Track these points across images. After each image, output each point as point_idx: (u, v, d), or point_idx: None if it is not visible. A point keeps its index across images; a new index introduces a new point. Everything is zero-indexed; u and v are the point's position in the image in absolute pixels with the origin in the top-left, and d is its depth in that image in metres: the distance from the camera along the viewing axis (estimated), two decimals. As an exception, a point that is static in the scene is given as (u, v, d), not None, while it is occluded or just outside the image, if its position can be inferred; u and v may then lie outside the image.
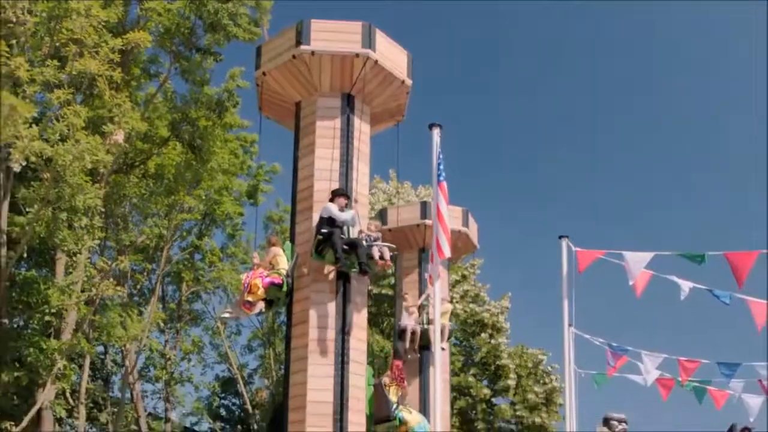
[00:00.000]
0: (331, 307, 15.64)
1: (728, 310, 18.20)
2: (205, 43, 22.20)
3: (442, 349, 20.41)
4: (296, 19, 16.06)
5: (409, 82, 17.00)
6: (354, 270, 15.52)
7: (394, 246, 17.00)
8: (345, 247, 14.96)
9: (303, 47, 15.56)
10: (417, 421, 17.95)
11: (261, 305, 15.52)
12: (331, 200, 15.35)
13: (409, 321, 20.55)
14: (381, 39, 16.22)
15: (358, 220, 15.73)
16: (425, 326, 18.00)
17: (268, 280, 15.08)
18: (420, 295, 20.70)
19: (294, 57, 15.77)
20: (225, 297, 38.08)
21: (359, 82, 16.26)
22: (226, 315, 16.80)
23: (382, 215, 21.16)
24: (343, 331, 15.54)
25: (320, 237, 14.99)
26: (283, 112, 17.71)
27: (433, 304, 14.58)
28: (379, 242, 15.97)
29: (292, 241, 16.17)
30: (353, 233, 15.58)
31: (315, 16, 15.79)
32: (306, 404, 15.00)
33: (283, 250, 15.86)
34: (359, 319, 16.14)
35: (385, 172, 38.02)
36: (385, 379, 17.52)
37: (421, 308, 20.93)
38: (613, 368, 21.59)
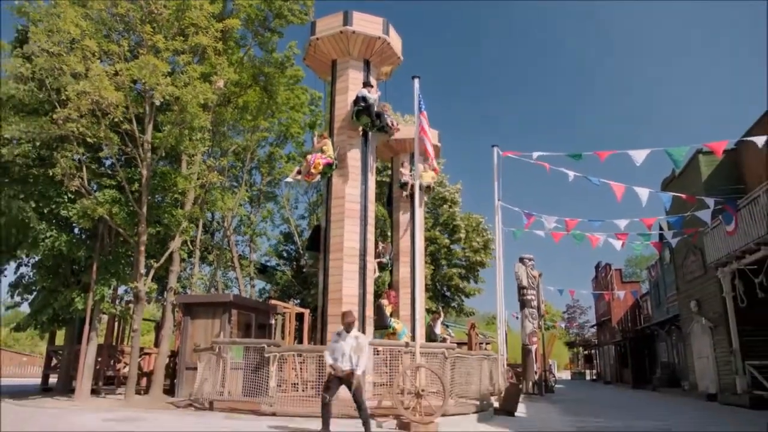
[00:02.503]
0: (357, 186, 16.88)
1: (598, 189, 18.87)
2: (273, 26, 22.20)
3: (432, 188, 22.12)
4: (328, 11, 17.68)
5: (402, 59, 18.47)
6: (373, 130, 17.27)
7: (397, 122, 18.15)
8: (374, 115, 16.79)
9: (348, 27, 17.03)
10: (401, 327, 18.91)
11: (318, 177, 16.63)
12: (362, 87, 17.01)
13: (406, 177, 22.17)
14: (392, 30, 17.76)
15: (378, 102, 17.13)
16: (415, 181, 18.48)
17: (325, 160, 16.38)
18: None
19: (341, 32, 17.11)
20: (291, 184, 39.22)
21: (376, 53, 17.83)
22: (290, 180, 17.33)
23: None
24: (365, 169, 17.16)
25: (360, 107, 16.64)
26: (320, 65, 18.52)
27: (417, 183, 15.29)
28: (391, 116, 17.60)
29: (333, 146, 16.89)
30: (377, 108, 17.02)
31: (337, 9, 17.03)
32: (343, 249, 16.08)
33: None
34: (372, 165, 17.71)
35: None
36: (384, 302, 18.64)
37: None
38: (526, 225, 22.07)
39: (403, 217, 22.77)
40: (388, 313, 18.64)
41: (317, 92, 34.58)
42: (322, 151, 16.45)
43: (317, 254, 17.50)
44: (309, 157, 16.62)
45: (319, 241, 17.28)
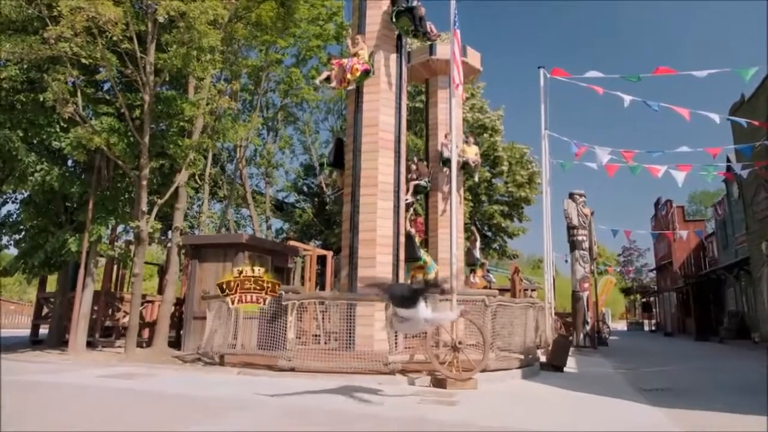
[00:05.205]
0: (392, 114, 16.47)
1: (658, 115, 18.73)
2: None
3: (477, 165, 21.19)
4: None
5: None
6: (410, 35, 17.04)
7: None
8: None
9: None
10: (430, 260, 19.01)
11: (353, 84, 16.13)
12: None
13: (448, 153, 20.11)
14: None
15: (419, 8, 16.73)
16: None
17: (363, 66, 15.84)
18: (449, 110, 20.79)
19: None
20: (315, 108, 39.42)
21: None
22: (318, 83, 17.26)
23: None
24: (400, 93, 16.72)
25: (401, 8, 16.31)
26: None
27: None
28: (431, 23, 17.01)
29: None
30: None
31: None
32: (377, 184, 15.79)
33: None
34: (404, 74, 17.25)
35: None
36: (412, 230, 18.58)
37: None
38: (576, 155, 21.85)
39: (443, 192, 21.18)
40: (418, 243, 18.78)
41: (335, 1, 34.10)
42: (357, 55, 16.00)
43: (341, 171, 17.49)
44: (344, 61, 16.16)
45: (342, 156, 17.21)
